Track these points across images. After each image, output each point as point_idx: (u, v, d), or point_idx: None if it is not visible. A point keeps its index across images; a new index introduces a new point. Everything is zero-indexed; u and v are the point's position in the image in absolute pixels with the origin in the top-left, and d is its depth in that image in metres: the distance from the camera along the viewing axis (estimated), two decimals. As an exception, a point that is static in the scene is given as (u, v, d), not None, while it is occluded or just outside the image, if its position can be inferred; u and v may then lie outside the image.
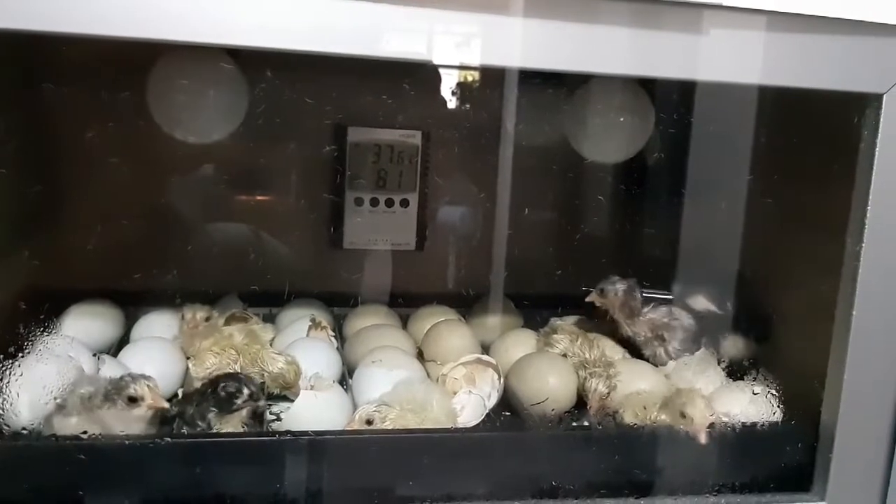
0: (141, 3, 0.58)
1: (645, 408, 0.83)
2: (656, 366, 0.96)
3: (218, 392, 0.75)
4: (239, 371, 0.85)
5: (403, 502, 0.72)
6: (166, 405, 0.72)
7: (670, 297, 1.05)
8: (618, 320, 0.97)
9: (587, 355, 0.93)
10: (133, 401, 0.71)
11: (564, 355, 0.94)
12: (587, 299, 0.98)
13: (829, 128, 0.81)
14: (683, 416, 0.79)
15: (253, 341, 0.91)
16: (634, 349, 0.99)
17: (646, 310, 0.97)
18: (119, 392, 0.72)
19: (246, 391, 0.76)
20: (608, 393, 0.86)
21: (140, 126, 0.92)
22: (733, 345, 0.97)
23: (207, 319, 0.94)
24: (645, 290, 1.07)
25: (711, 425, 0.79)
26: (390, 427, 0.77)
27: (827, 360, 0.77)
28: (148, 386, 0.72)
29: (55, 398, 0.74)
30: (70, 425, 0.71)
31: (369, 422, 0.77)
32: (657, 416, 0.82)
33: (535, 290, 1.11)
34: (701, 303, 1.03)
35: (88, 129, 0.99)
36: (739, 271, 0.95)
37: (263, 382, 0.85)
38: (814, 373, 0.78)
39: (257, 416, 0.77)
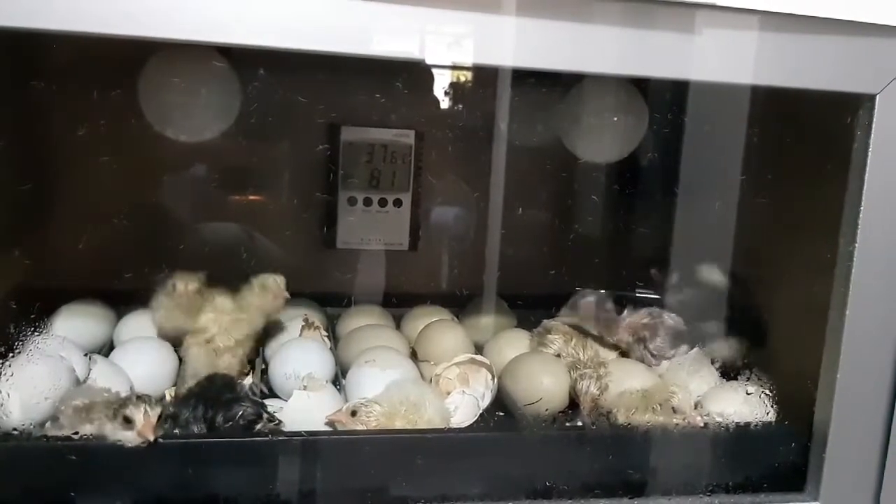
0: (131, 1, 0.58)
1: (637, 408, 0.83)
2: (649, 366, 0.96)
3: (237, 421, 0.75)
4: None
5: (397, 503, 0.72)
6: (151, 438, 0.69)
7: (656, 296, 1.05)
8: (597, 331, 0.98)
9: (580, 356, 0.93)
10: (128, 422, 0.70)
11: (558, 355, 0.94)
12: (559, 317, 0.98)
13: (823, 128, 0.81)
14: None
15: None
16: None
17: (625, 314, 0.97)
18: (118, 409, 0.71)
19: (265, 415, 0.75)
20: (599, 393, 0.86)
21: (131, 125, 0.91)
22: (726, 344, 0.97)
23: (198, 292, 0.91)
24: (638, 290, 1.07)
25: (595, 403, 0.84)
26: (375, 422, 0.77)
27: (820, 360, 0.77)
28: (146, 411, 0.70)
29: (46, 398, 0.74)
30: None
31: (354, 413, 0.77)
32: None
33: (528, 291, 1.11)
34: (695, 301, 1.03)
35: (79, 128, 0.98)
36: (733, 271, 0.95)
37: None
38: (807, 373, 0.78)
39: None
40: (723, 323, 0.98)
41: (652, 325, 0.97)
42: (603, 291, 0.99)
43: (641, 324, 0.97)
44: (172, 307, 0.92)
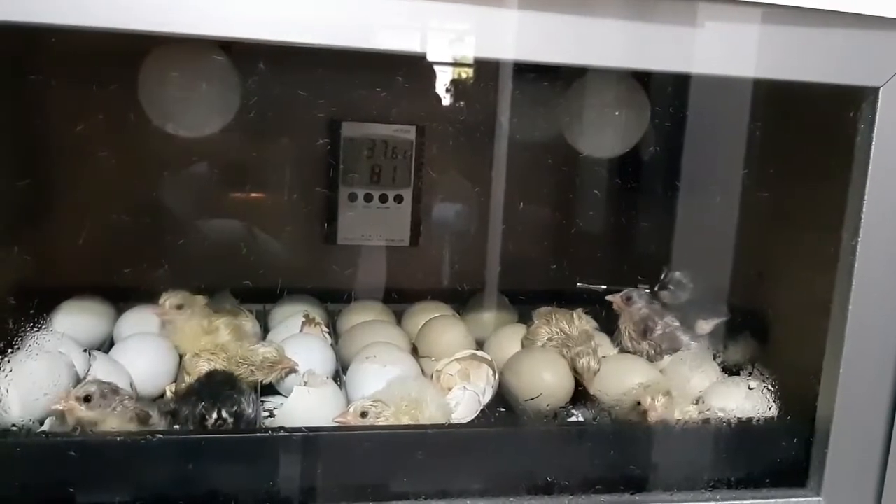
0: (131, -5, 0.58)
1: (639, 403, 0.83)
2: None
3: (194, 413, 0.75)
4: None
5: (398, 498, 0.72)
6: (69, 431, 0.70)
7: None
8: (623, 330, 0.97)
9: (569, 330, 0.93)
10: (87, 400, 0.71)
11: (550, 339, 0.94)
12: (608, 298, 0.97)
13: (826, 122, 0.81)
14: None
15: (237, 336, 0.91)
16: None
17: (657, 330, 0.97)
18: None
19: (215, 415, 0.74)
20: (599, 367, 0.87)
21: (131, 121, 0.91)
22: (730, 340, 0.97)
23: (179, 308, 0.91)
24: (639, 286, 1.06)
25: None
26: (385, 424, 0.76)
27: (823, 354, 0.77)
28: (75, 399, 0.70)
29: (45, 394, 0.74)
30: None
31: (364, 414, 0.77)
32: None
33: (529, 286, 1.11)
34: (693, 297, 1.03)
35: (78, 124, 0.98)
36: (735, 266, 0.95)
37: (258, 382, 0.86)
38: (810, 368, 0.78)
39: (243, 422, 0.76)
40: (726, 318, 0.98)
41: (678, 339, 0.96)
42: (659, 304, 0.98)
43: (665, 333, 0.96)
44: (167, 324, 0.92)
